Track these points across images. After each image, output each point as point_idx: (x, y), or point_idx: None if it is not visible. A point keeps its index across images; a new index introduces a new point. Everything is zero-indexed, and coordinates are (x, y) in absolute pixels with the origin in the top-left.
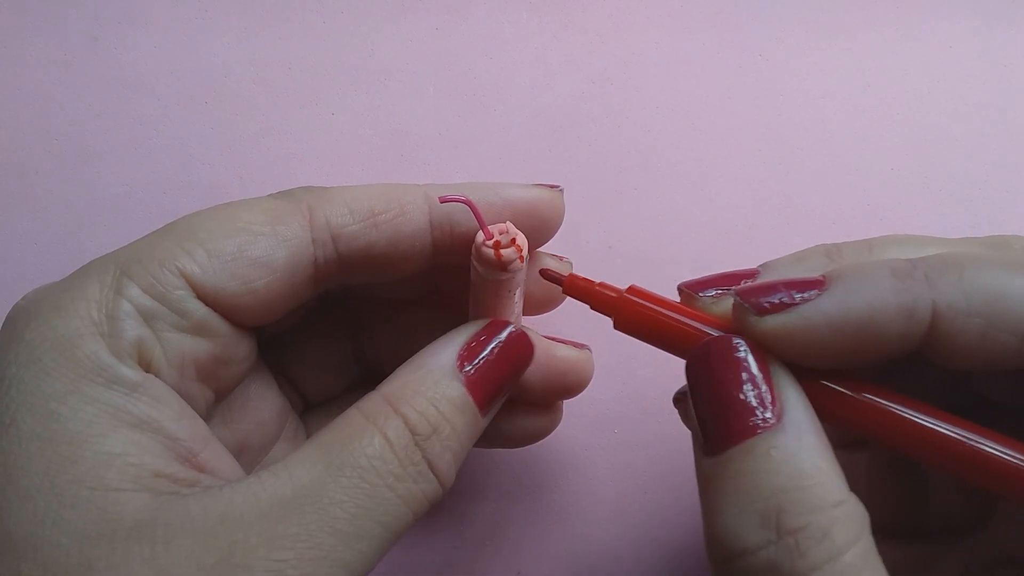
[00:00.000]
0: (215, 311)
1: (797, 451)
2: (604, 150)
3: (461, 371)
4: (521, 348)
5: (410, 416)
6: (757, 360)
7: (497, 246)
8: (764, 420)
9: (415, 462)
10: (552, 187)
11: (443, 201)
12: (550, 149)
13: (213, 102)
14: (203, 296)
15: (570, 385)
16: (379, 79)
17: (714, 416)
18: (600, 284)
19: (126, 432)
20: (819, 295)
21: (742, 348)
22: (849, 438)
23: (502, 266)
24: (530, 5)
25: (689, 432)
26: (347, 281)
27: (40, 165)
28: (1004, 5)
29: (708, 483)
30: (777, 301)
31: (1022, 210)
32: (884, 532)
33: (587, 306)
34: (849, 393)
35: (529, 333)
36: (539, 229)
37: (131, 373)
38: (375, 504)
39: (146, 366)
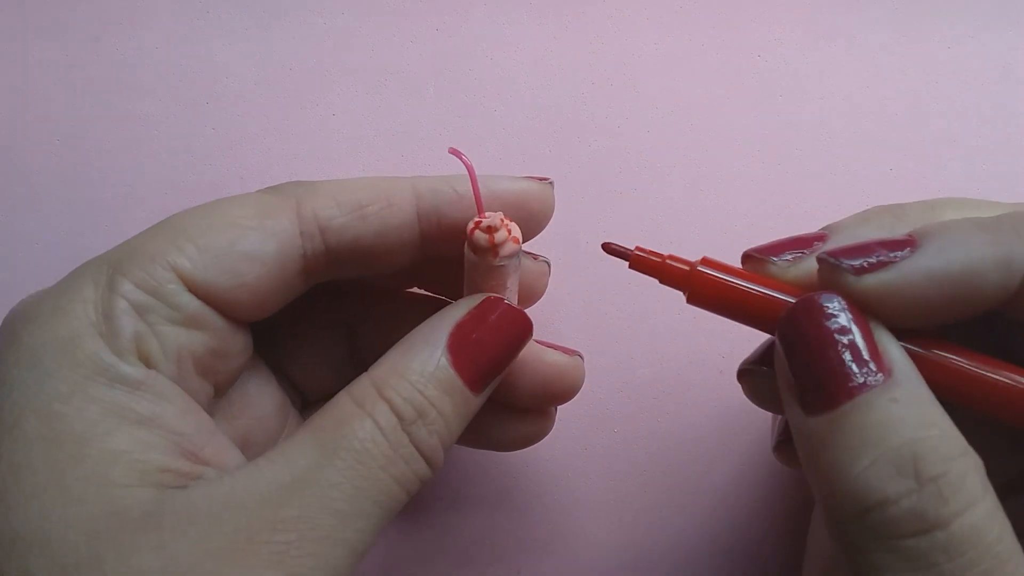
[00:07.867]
0: (208, 305)
1: (919, 401)
2: (604, 150)
3: (450, 351)
4: (516, 324)
5: (395, 401)
6: (857, 317)
7: (489, 230)
8: (875, 374)
9: (404, 445)
10: (542, 180)
11: (451, 152)
12: (550, 149)
13: (214, 102)
14: (195, 290)
15: (559, 391)
16: (379, 79)
17: (819, 376)
18: (669, 256)
19: (131, 429)
20: (912, 253)
21: (842, 306)
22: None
23: (495, 251)
24: (530, 6)
25: (687, 429)
26: (337, 274)
27: (42, 166)
28: (1003, 6)
29: (822, 441)
30: (875, 260)
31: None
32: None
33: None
34: (951, 358)
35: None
36: (527, 222)
37: (133, 371)
38: (370, 484)
39: (145, 360)
